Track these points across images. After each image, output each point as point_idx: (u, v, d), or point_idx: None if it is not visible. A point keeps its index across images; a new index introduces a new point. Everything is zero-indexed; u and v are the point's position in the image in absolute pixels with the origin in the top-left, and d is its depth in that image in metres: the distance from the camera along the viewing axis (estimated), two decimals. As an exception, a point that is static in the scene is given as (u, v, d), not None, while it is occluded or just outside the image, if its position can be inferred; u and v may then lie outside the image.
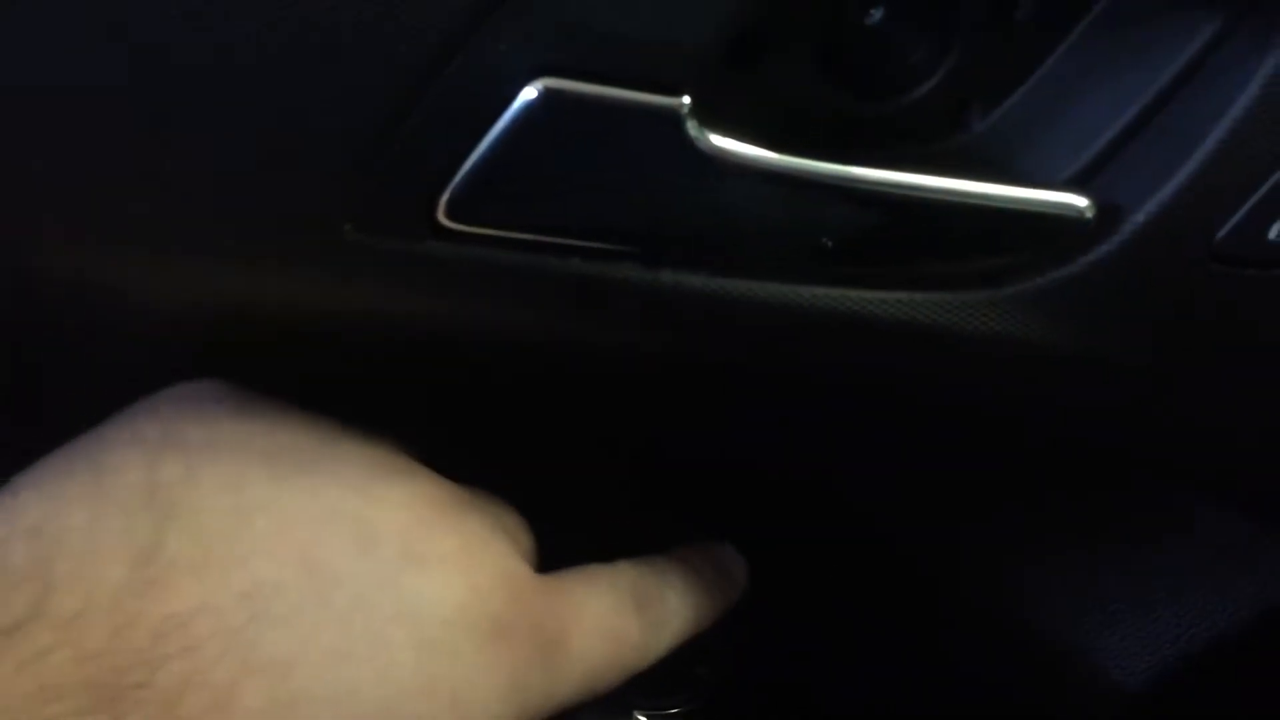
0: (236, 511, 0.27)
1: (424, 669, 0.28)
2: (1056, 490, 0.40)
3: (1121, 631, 0.40)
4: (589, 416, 0.39)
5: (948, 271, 0.28)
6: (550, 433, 0.40)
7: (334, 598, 0.27)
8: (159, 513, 0.27)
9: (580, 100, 0.24)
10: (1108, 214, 0.28)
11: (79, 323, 0.33)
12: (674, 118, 0.24)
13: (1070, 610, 0.40)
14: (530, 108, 0.24)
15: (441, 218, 0.25)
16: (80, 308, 0.31)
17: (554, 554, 0.33)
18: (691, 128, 0.25)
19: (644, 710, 0.41)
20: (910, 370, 0.30)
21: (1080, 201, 0.27)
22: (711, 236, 0.26)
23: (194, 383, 0.31)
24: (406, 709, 0.27)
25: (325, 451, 0.30)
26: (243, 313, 0.30)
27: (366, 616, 0.27)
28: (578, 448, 0.41)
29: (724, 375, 0.33)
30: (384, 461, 0.31)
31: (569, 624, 0.31)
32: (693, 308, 0.27)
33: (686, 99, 0.24)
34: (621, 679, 0.33)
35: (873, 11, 0.27)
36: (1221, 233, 0.28)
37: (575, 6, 0.23)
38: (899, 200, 0.27)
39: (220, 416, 0.30)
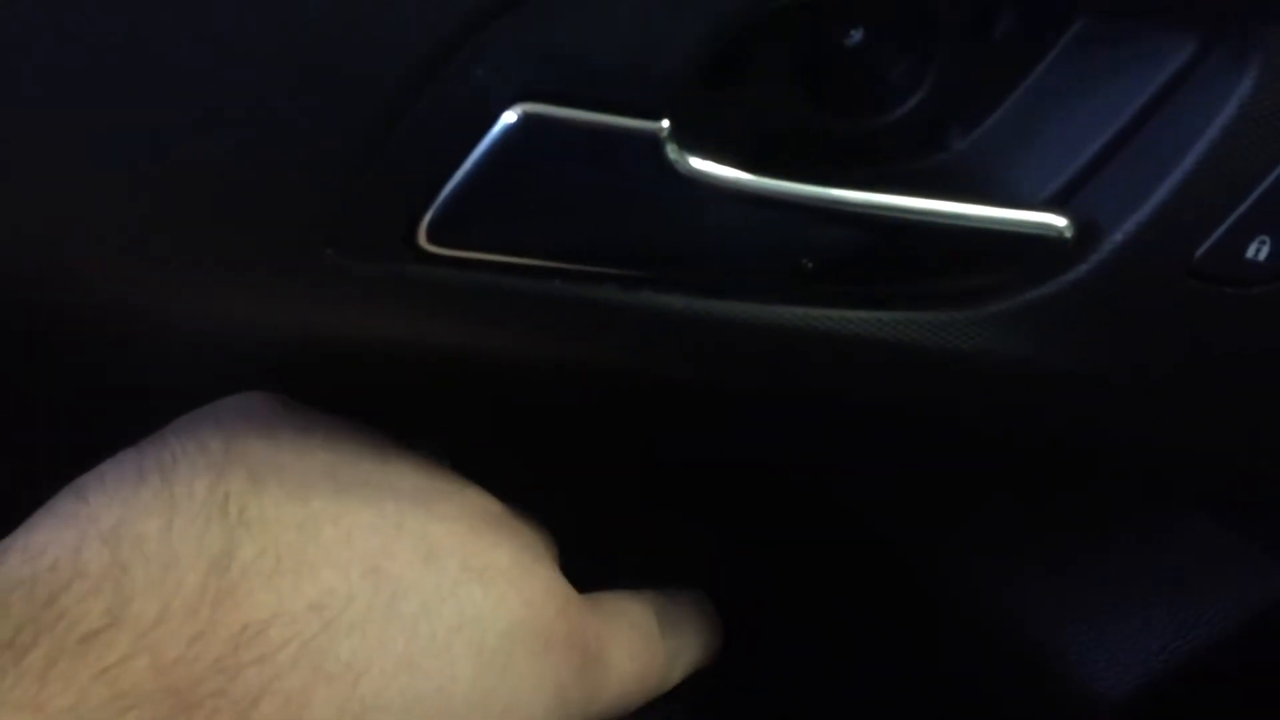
0: (303, 522, 0.28)
1: (482, 679, 0.28)
2: (1047, 496, 0.40)
3: (1108, 642, 0.40)
4: (581, 426, 0.40)
5: (928, 291, 0.28)
6: (545, 443, 0.40)
7: (400, 608, 0.28)
8: (230, 522, 0.27)
9: (560, 124, 0.24)
10: (1087, 233, 0.28)
11: (96, 333, 0.33)
12: (653, 141, 0.25)
13: (1058, 618, 0.40)
14: (510, 132, 0.24)
15: (422, 241, 0.25)
16: (93, 319, 0.31)
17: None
18: (671, 151, 0.25)
19: None
20: (893, 388, 0.30)
21: (1059, 221, 0.28)
22: (692, 258, 0.26)
23: (250, 395, 0.31)
24: (465, 718, 0.28)
25: (382, 465, 0.30)
26: (241, 333, 0.30)
27: (431, 627, 0.28)
28: (573, 455, 0.41)
29: (712, 391, 0.33)
30: (436, 476, 0.31)
31: (606, 643, 0.32)
32: (674, 329, 0.27)
33: (666, 122, 0.24)
34: (642, 703, 0.33)
35: (852, 33, 0.28)
36: (1200, 251, 0.28)
37: (554, 32, 0.23)
38: (879, 221, 0.27)
39: (280, 430, 0.30)
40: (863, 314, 0.28)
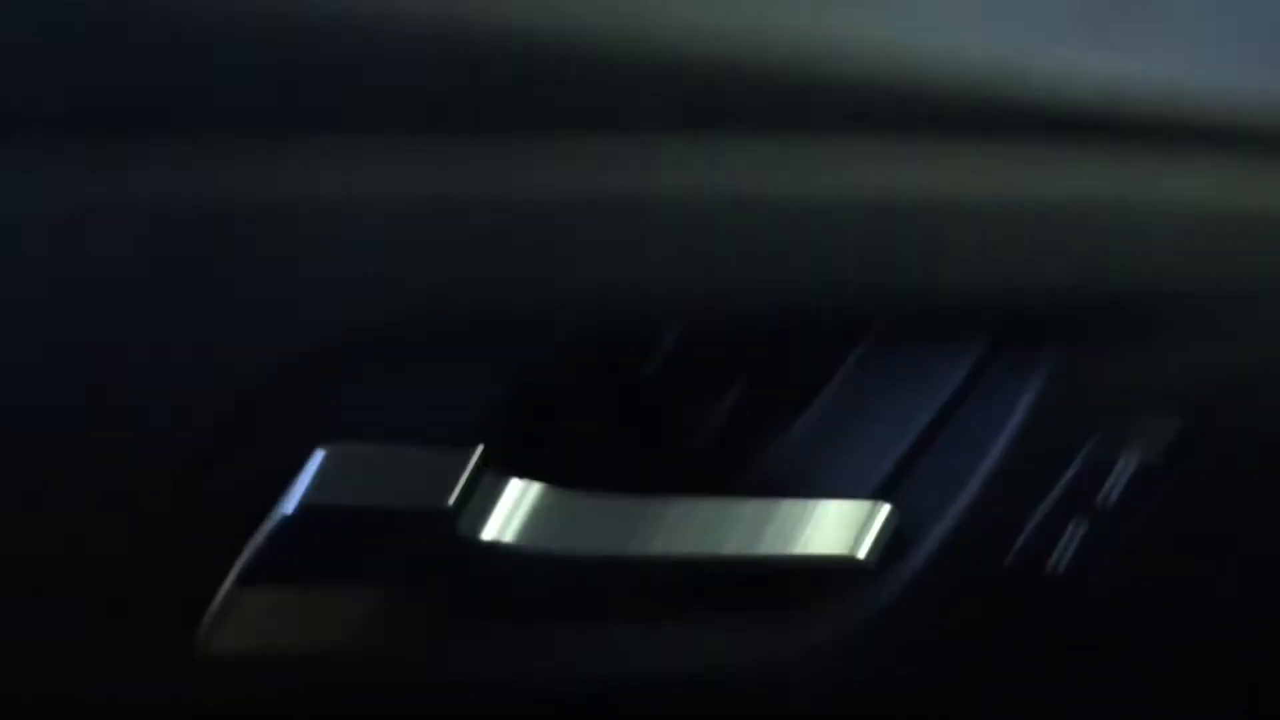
0: None
1: None
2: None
3: None
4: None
5: (757, 620, 0.27)
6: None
7: None
8: None
9: (345, 512, 0.23)
10: (908, 526, 0.27)
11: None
12: (445, 515, 0.24)
13: None
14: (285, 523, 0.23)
15: (202, 641, 0.23)
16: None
17: None
18: (462, 526, 0.24)
19: None
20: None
21: (882, 509, 0.27)
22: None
23: None
24: None
25: None
26: None
27: None
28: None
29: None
30: None
31: None
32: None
33: (454, 498, 0.24)
34: None
35: (645, 365, 0.27)
36: (1009, 559, 0.28)
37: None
38: (692, 562, 0.26)
39: None
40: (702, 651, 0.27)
